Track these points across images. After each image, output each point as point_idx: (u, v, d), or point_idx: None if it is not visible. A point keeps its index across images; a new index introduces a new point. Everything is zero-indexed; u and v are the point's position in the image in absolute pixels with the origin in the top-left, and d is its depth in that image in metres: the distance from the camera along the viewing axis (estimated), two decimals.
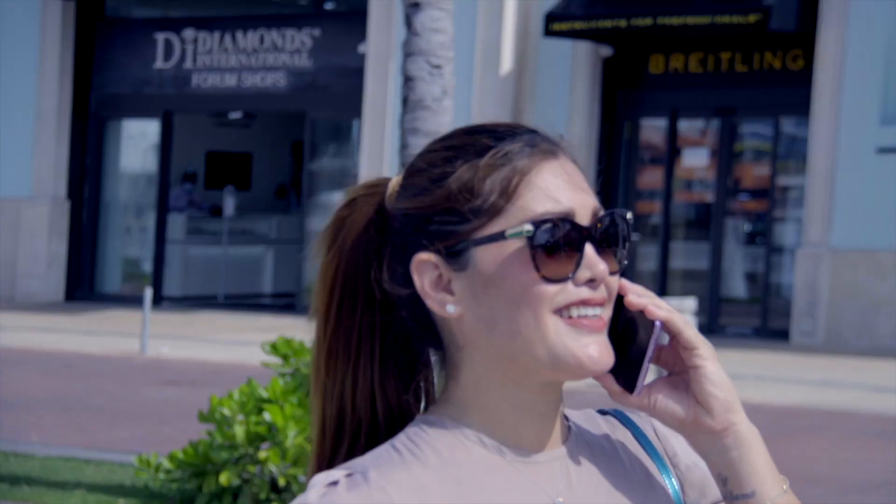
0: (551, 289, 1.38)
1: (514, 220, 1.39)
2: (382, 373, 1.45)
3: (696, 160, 17.17)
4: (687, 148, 17.20)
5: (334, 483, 1.37)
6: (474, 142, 1.42)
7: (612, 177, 17.09)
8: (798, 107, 15.58)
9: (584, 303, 1.39)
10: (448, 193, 1.40)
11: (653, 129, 17.41)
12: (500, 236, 1.39)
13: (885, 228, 14.59)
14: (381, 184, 1.48)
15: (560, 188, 1.40)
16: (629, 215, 1.43)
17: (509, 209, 1.39)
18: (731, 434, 1.43)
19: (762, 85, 16.10)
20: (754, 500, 1.43)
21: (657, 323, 1.42)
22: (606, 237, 1.41)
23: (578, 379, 1.41)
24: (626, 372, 1.43)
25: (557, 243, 1.38)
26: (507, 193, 1.40)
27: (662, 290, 16.13)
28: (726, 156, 16.62)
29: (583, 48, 16.70)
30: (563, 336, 1.38)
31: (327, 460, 1.46)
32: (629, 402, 1.45)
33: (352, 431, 1.45)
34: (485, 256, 1.39)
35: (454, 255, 1.40)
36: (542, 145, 1.42)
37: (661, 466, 1.51)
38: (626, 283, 1.44)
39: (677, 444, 1.53)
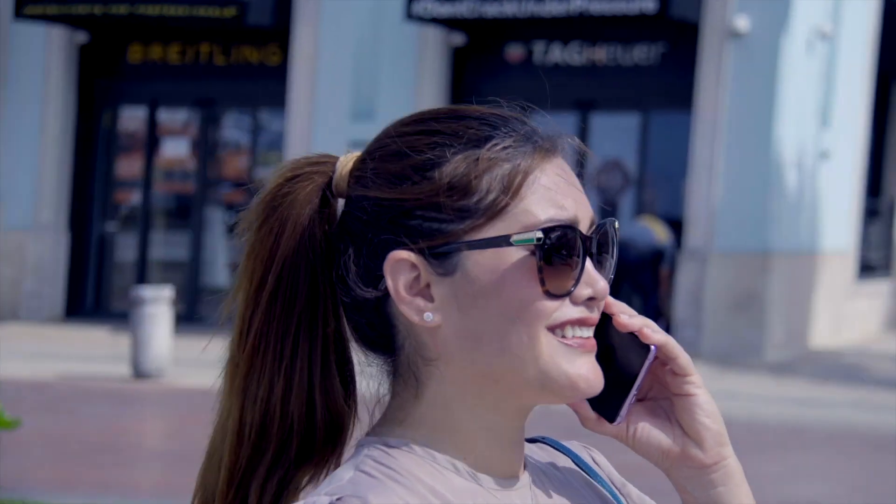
0: (551, 305, 1.23)
1: (517, 225, 1.22)
2: (325, 375, 1.26)
3: (176, 150, 17.08)
4: (167, 138, 17.08)
5: None
6: (464, 129, 1.24)
7: (89, 166, 16.69)
8: (276, 100, 15.84)
9: (581, 322, 1.25)
10: (437, 186, 1.22)
11: (133, 119, 17.15)
12: (501, 241, 1.22)
13: None
14: (328, 161, 1.29)
15: (564, 192, 1.24)
16: (617, 224, 1.29)
17: (509, 212, 1.22)
18: (721, 469, 1.31)
19: (241, 77, 16.22)
20: None
21: (653, 348, 1.29)
22: (601, 249, 1.27)
23: (566, 402, 1.28)
24: (602, 398, 1.29)
25: (564, 255, 1.23)
26: (509, 193, 1.22)
27: (141, 280, 15.97)
28: (206, 146, 16.64)
29: (57, 34, 16.20)
30: (556, 356, 1.23)
31: (241, 471, 1.26)
32: (605, 430, 1.31)
33: (278, 440, 1.25)
34: (479, 262, 1.22)
35: (439, 256, 1.22)
36: (541, 141, 1.26)
37: (614, 496, 1.38)
38: (613, 301, 1.29)
39: (619, 475, 1.41)
